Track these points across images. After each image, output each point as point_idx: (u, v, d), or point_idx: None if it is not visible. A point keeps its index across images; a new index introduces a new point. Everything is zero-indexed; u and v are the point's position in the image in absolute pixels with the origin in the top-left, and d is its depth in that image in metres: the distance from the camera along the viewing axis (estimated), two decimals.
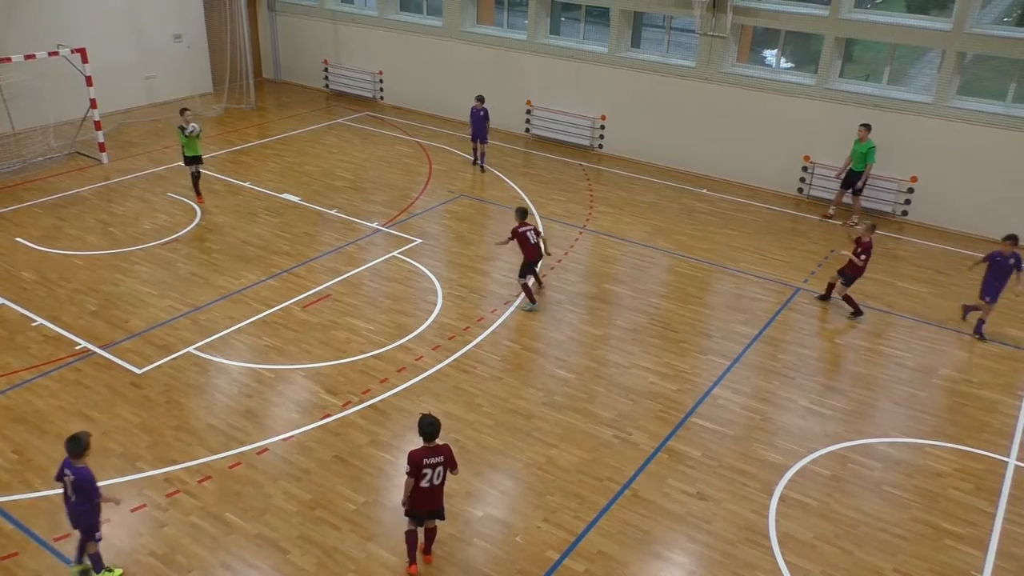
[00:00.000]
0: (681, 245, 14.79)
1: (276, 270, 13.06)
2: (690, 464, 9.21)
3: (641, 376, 10.80)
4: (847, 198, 16.20)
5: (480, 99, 17.67)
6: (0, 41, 17.50)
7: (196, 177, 15.43)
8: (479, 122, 17.69)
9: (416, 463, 7.15)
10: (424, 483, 7.20)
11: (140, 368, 10.40)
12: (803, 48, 18.90)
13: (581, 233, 15.09)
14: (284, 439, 9.27)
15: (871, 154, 15.45)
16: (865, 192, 16.18)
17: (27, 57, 16.14)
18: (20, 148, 17.09)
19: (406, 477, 7.22)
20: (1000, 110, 15.11)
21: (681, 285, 13.36)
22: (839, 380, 10.97)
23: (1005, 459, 9.52)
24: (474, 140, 17.90)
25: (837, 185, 16.25)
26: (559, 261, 13.89)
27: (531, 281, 12.49)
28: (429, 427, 7.16)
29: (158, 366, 10.46)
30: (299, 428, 9.46)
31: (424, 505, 7.36)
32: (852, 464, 9.34)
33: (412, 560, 7.58)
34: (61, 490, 7.19)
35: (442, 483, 7.34)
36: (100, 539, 7.33)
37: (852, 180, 15.82)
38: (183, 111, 15.16)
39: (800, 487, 8.92)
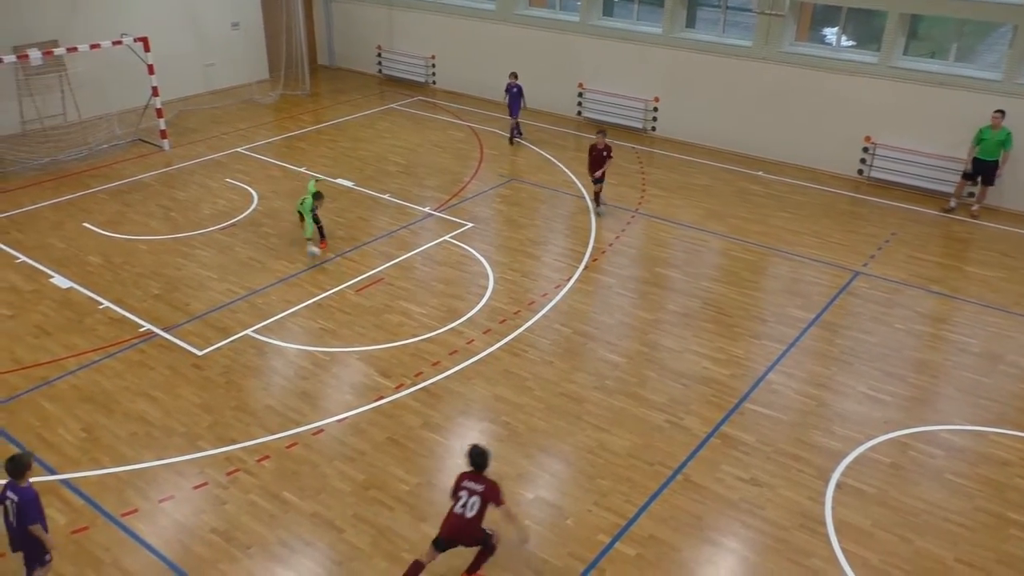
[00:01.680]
0: (735, 228, 14.55)
1: (331, 255, 13.26)
2: (744, 450, 9.10)
3: (693, 361, 10.69)
4: (970, 188, 15.33)
5: (514, 75, 18.14)
6: (67, 31, 18.04)
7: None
8: (513, 98, 18.23)
9: (455, 483, 7.11)
10: (457, 508, 6.99)
11: (201, 350, 10.69)
12: (865, 25, 18.31)
13: (633, 216, 14.95)
14: (339, 420, 9.44)
15: (1009, 141, 14.51)
16: (928, 173, 15.68)
17: (92, 47, 16.60)
18: (86, 135, 17.64)
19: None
20: None
21: (735, 269, 13.16)
22: (899, 366, 10.69)
23: None
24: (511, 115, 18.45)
25: (902, 167, 15.79)
26: (611, 245, 13.80)
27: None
28: (477, 457, 7.08)
29: (218, 348, 10.74)
30: (353, 410, 9.63)
31: (449, 532, 7.02)
32: (912, 451, 9.12)
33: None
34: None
35: (476, 518, 6.95)
36: (50, 561, 6.92)
37: (982, 170, 14.81)
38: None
39: (858, 474, 8.75)
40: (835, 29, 17.85)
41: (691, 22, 19.15)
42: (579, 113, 20.24)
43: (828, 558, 7.69)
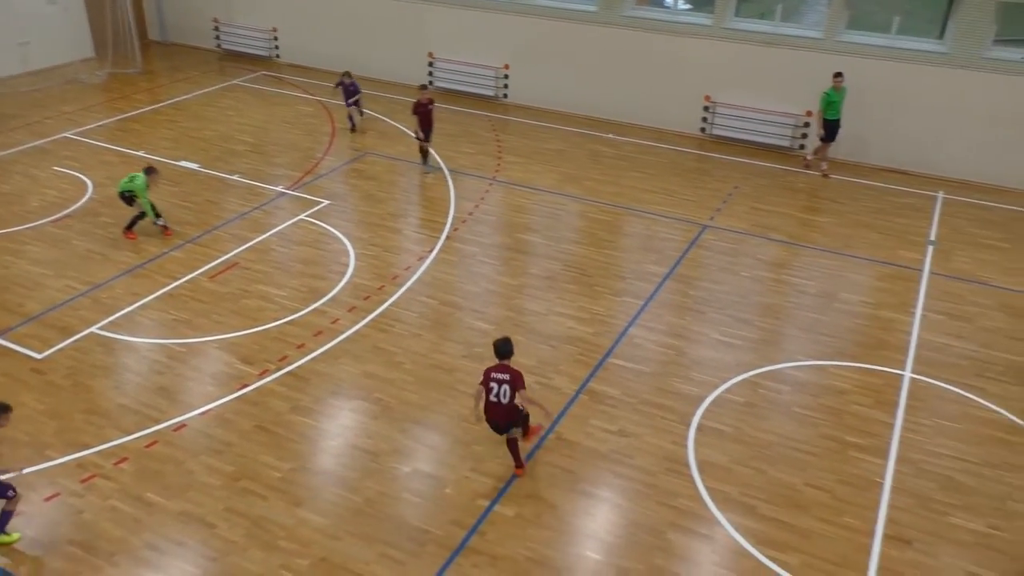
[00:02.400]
0: (590, 190, 14.95)
1: (179, 241, 12.59)
2: (610, 403, 9.46)
3: (559, 322, 10.96)
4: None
5: (346, 74, 17.04)
6: None
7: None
8: (348, 93, 17.00)
9: (485, 376, 8.04)
10: (492, 397, 7.98)
11: (40, 353, 9.94)
12: None
13: (491, 184, 15.05)
14: (201, 413, 9.06)
15: (840, 101, 15.26)
16: (764, 129, 16.69)
17: None
18: None
19: (478, 387, 8.09)
20: (886, 42, 15.69)
21: (592, 230, 13.54)
22: (747, 311, 11.39)
23: (901, 372, 10.13)
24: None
25: (739, 123, 16.75)
26: (470, 214, 13.85)
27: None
28: (502, 346, 8.08)
29: (60, 349, 10.01)
30: (216, 401, 9.26)
31: (492, 416, 8.09)
32: (762, 389, 9.78)
33: (517, 464, 8.37)
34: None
35: (510, 402, 7.96)
36: (13, 496, 7.31)
37: (834, 130, 15.52)
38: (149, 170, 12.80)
39: (715, 416, 9.29)
40: None
41: None
42: (430, 83, 20.03)
43: (693, 496, 8.16)
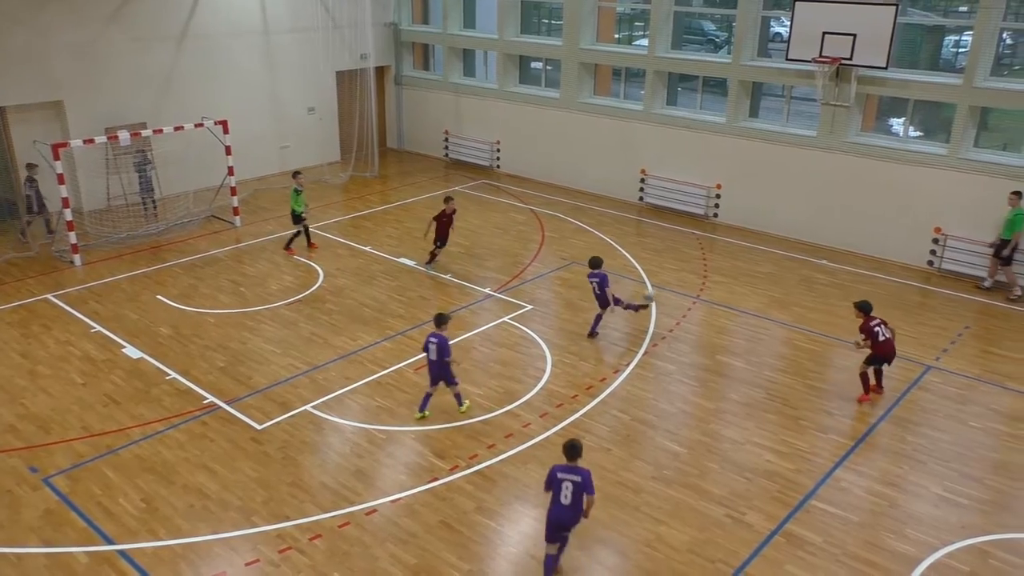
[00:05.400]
0: (799, 317, 14.27)
1: (391, 332, 13.42)
2: (810, 551, 8.67)
3: (756, 453, 10.35)
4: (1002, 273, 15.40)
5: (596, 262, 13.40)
6: (155, 114, 19.19)
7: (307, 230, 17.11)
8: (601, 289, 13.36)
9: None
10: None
11: (260, 424, 10.82)
12: (933, 116, 18.20)
13: (694, 303, 14.81)
14: (392, 501, 9.36)
15: (1019, 222, 14.65)
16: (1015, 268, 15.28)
17: (176, 128, 17.56)
18: (165, 212, 18.48)
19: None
20: None
21: (799, 359, 12.84)
22: (976, 467, 10.16)
23: None
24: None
25: (974, 259, 15.53)
26: (670, 331, 13.65)
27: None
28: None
29: (277, 423, 10.85)
30: (407, 491, 9.54)
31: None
32: (994, 560, 8.57)
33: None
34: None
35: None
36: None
37: (999, 249, 15.11)
38: (296, 174, 16.82)
39: None
40: (902, 120, 17.77)
41: (755, 111, 19.32)
42: (641, 199, 20.38)
43: None
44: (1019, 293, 15.06)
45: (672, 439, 10.64)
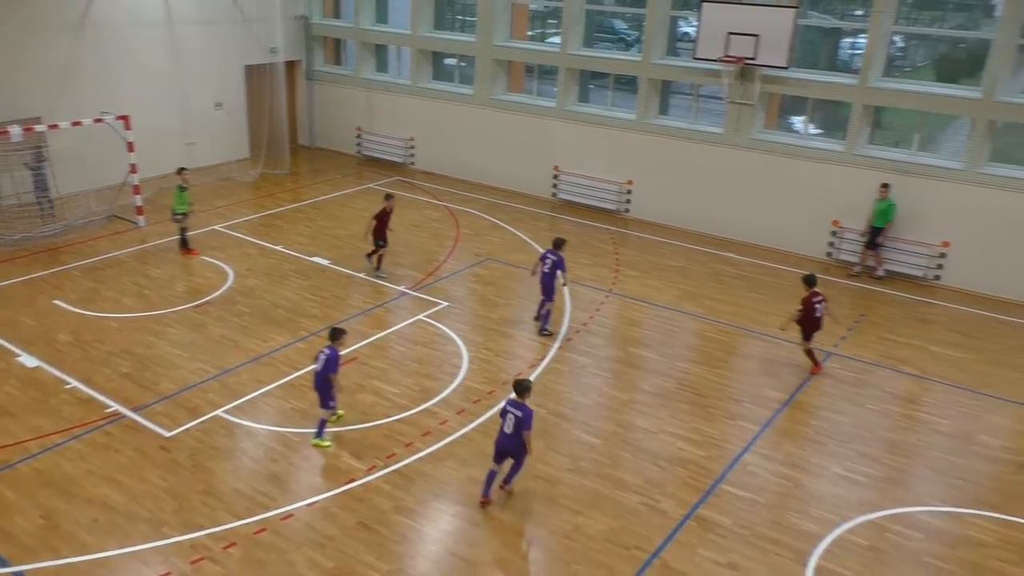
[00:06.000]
0: (709, 309, 14.72)
1: (304, 333, 13.19)
2: (721, 533, 8.98)
3: (668, 442, 10.64)
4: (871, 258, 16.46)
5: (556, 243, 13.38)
6: (50, 108, 18.23)
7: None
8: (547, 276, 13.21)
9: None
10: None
11: (169, 431, 10.47)
12: (831, 114, 19.04)
13: (607, 297, 15.09)
14: (308, 505, 9.22)
15: (891, 211, 15.67)
16: (897, 257, 16.15)
17: (74, 124, 16.77)
18: (63, 212, 17.62)
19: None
20: None
21: (709, 349, 13.25)
22: (874, 446, 10.71)
23: None
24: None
25: (870, 250, 16.33)
26: (584, 325, 13.87)
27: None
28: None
29: (186, 429, 10.52)
30: (323, 493, 9.41)
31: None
32: (890, 533, 9.06)
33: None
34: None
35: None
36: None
37: (871, 236, 16.14)
38: (181, 170, 16.23)
39: (836, 557, 8.65)
40: (802, 118, 18.52)
41: (664, 109, 19.79)
42: (554, 195, 20.62)
43: None
44: (882, 274, 16.21)
45: (587, 431, 10.82)
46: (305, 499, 9.30)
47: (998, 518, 9.36)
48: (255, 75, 22.84)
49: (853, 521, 9.22)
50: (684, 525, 9.09)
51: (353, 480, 9.64)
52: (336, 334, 10.16)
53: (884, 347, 13.46)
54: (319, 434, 10.27)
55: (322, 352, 10.10)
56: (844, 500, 9.59)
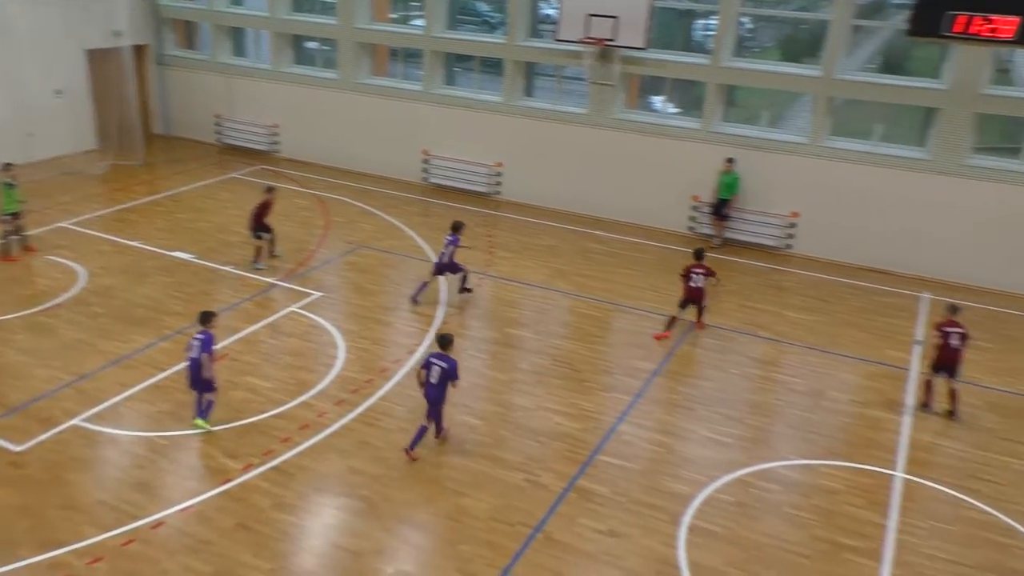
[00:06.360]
0: (580, 286, 15.10)
1: (169, 331, 12.59)
2: (599, 501, 9.30)
3: (547, 417, 10.88)
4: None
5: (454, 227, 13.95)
6: None
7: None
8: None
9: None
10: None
11: (19, 445, 9.76)
12: (688, 93, 19.82)
13: (482, 279, 15.20)
14: (181, 510, 8.85)
15: (736, 184, 16.60)
16: (752, 228, 17.06)
17: None
18: None
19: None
20: (868, 148, 16.22)
21: (582, 325, 13.61)
22: (737, 408, 11.35)
23: (892, 473, 10.02)
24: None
25: (736, 225, 17.31)
26: (461, 308, 13.93)
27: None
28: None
29: (40, 442, 9.83)
30: (197, 497, 9.06)
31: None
32: (754, 489, 9.64)
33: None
34: None
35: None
36: None
37: (720, 208, 17.03)
38: (7, 166, 15.10)
39: (707, 516, 9.13)
40: (662, 97, 19.21)
41: (529, 91, 20.02)
42: (425, 179, 20.51)
43: None
44: (718, 243, 17.22)
45: (468, 412, 10.91)
46: (177, 504, 8.92)
47: (847, 466, 10.15)
48: (99, 60, 21.40)
49: (721, 480, 9.76)
50: (565, 497, 9.35)
51: (229, 480, 9.33)
52: (206, 317, 10.11)
53: (744, 314, 14.24)
54: (203, 416, 10.12)
55: (194, 338, 9.96)
56: (712, 461, 10.13)
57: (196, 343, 9.88)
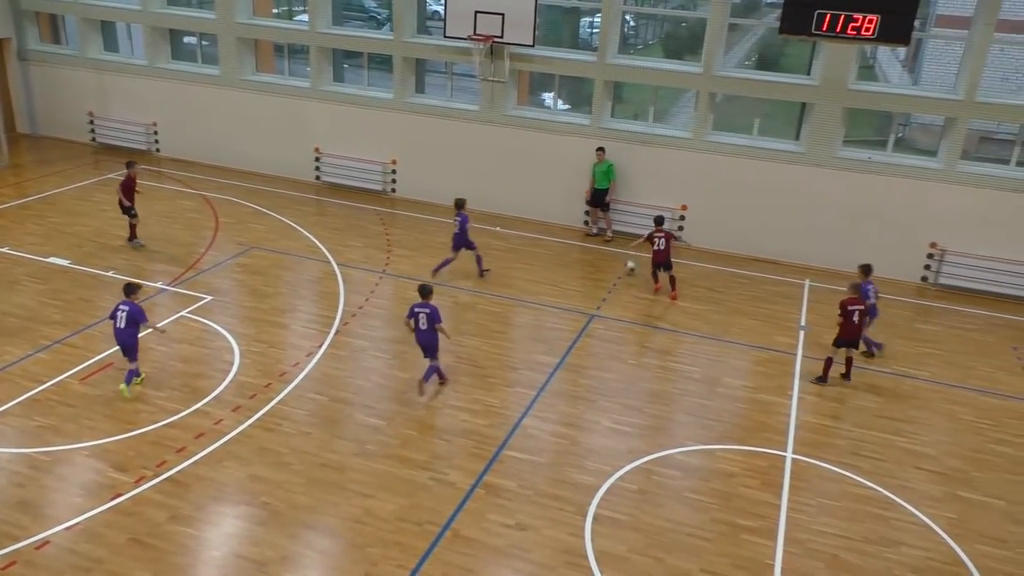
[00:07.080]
0: (480, 282, 15.13)
1: (46, 342, 11.84)
2: (507, 496, 9.36)
3: (452, 415, 10.86)
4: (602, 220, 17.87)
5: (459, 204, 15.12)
6: None
7: None
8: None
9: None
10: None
11: None
12: (578, 90, 20.18)
13: (381, 278, 15.01)
14: (68, 528, 8.35)
15: (611, 172, 17.17)
16: (642, 222, 17.53)
17: None
18: None
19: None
20: (748, 142, 16.97)
21: (483, 322, 13.65)
22: (637, 398, 11.65)
23: (783, 454, 10.54)
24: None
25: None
26: (360, 308, 13.72)
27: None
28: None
29: None
30: (85, 513, 8.57)
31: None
32: (655, 476, 9.93)
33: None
34: None
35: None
36: None
37: (599, 198, 17.46)
38: None
39: (611, 504, 9.34)
40: (551, 94, 19.47)
41: (421, 88, 19.89)
42: (318, 177, 20.06)
43: None
44: (610, 236, 17.69)
45: (371, 414, 10.76)
46: (63, 522, 8.41)
47: (742, 450, 10.60)
48: None
49: (624, 469, 10.00)
50: (472, 494, 9.36)
51: (120, 495, 8.87)
52: (131, 289, 10.66)
53: (640, 306, 14.63)
54: (128, 381, 10.55)
55: (119, 309, 10.43)
56: (615, 451, 10.37)
57: (122, 314, 10.40)
